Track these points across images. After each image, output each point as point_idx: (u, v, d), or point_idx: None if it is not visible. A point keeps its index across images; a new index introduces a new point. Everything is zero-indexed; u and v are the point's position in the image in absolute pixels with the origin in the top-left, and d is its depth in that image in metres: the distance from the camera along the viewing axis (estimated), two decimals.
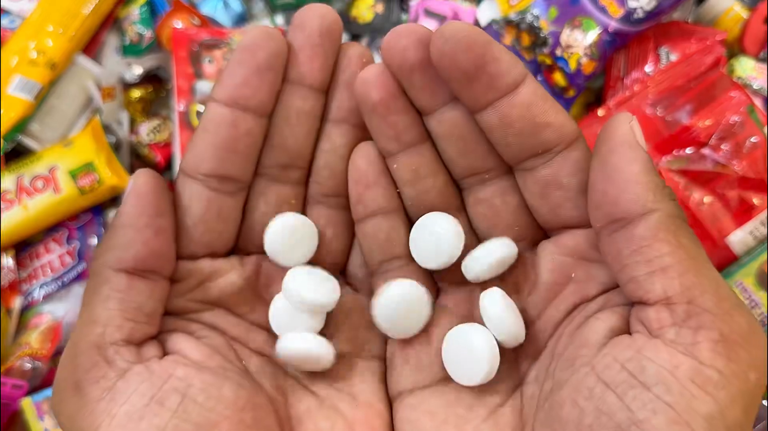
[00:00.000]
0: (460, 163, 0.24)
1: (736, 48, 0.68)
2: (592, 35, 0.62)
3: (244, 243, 0.26)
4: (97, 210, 0.71)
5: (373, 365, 0.26)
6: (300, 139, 0.25)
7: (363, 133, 0.25)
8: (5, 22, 0.73)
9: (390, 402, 0.25)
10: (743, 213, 0.59)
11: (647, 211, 0.21)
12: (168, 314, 0.24)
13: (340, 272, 0.27)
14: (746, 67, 0.65)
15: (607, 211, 0.21)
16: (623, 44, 0.64)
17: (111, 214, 0.73)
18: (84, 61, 0.72)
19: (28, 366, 0.63)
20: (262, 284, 0.26)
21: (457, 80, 0.21)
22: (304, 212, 0.26)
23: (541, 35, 0.63)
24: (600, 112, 0.64)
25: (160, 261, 0.23)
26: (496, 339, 0.23)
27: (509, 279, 0.25)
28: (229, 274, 0.25)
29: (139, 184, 0.23)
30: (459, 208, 0.25)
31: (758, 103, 0.62)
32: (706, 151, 0.60)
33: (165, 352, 0.23)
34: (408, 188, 0.24)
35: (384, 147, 0.24)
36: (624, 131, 0.23)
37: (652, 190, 0.21)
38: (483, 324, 0.23)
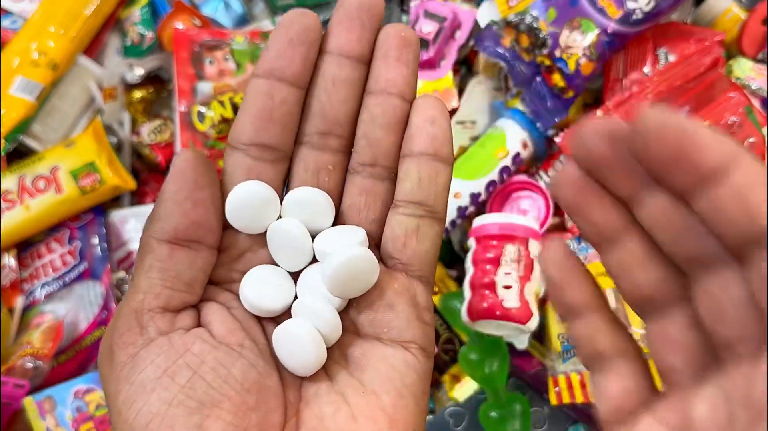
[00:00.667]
0: (677, 251, 0.20)
1: (734, 49, 0.68)
2: (591, 36, 0.62)
3: None
4: (98, 210, 0.72)
5: (390, 351, 0.25)
6: (336, 106, 0.26)
7: (403, 104, 0.26)
8: (7, 22, 0.73)
9: (404, 393, 0.24)
10: None
11: None
12: (212, 283, 0.25)
13: (375, 245, 0.27)
14: (744, 68, 0.65)
15: None
16: (622, 45, 0.64)
17: (112, 213, 0.73)
18: (85, 61, 0.73)
19: (30, 365, 0.64)
20: None
21: (656, 171, 0.18)
22: (343, 181, 0.27)
23: (540, 36, 0.64)
24: (599, 112, 0.64)
25: (200, 231, 0.24)
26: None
27: None
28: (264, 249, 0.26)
29: (180, 161, 0.24)
30: (683, 298, 0.20)
31: (756, 103, 0.62)
32: None
33: (200, 322, 0.24)
34: (620, 281, 0.22)
35: (592, 244, 0.23)
36: None
37: None
38: None
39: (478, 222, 0.32)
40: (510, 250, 0.27)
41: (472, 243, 0.32)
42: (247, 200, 0.24)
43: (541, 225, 0.31)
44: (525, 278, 0.27)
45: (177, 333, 0.23)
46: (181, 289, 0.24)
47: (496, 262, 0.28)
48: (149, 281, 0.23)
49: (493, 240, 0.33)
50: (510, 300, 0.27)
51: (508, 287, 0.27)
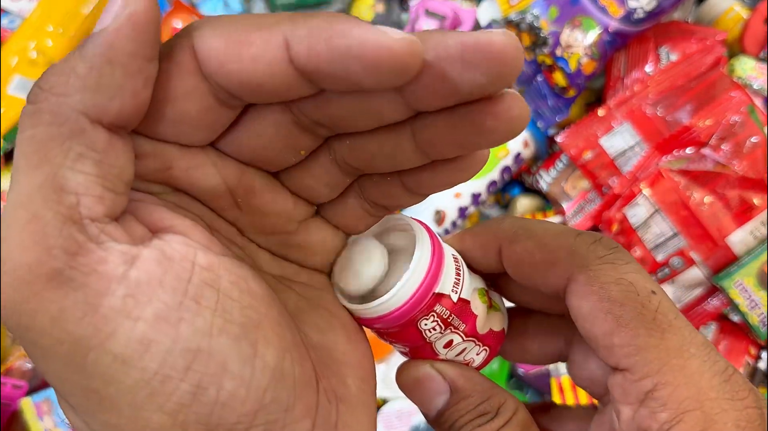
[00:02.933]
0: None
1: (736, 48, 0.68)
2: (593, 35, 0.62)
3: (229, 147, 0.20)
4: None
5: None
6: None
7: None
8: (5, 22, 0.73)
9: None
10: (743, 213, 0.59)
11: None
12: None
13: None
14: (746, 67, 0.65)
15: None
16: (623, 44, 0.64)
17: None
18: None
19: (28, 366, 0.63)
20: (243, 198, 0.20)
21: None
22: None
23: (542, 35, 0.63)
24: (600, 111, 0.64)
25: (136, 121, 0.17)
26: None
27: None
28: (206, 168, 0.19)
29: (139, 12, 0.16)
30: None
31: (758, 102, 0.62)
32: (706, 150, 0.60)
33: (151, 231, 0.18)
34: None
35: None
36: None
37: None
38: None
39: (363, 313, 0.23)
40: (426, 324, 0.22)
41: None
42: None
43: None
44: (468, 319, 0.22)
45: (159, 243, 0.17)
46: (122, 192, 0.17)
47: (424, 342, 0.22)
48: (84, 177, 0.16)
49: (395, 329, 0.23)
50: (476, 358, 0.23)
51: (462, 352, 0.24)
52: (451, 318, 0.21)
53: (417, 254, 0.21)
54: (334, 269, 0.23)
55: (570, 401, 0.56)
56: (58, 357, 0.16)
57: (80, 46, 0.16)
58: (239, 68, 0.17)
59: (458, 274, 0.22)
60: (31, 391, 0.63)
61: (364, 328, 0.23)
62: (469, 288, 0.22)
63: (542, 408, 0.25)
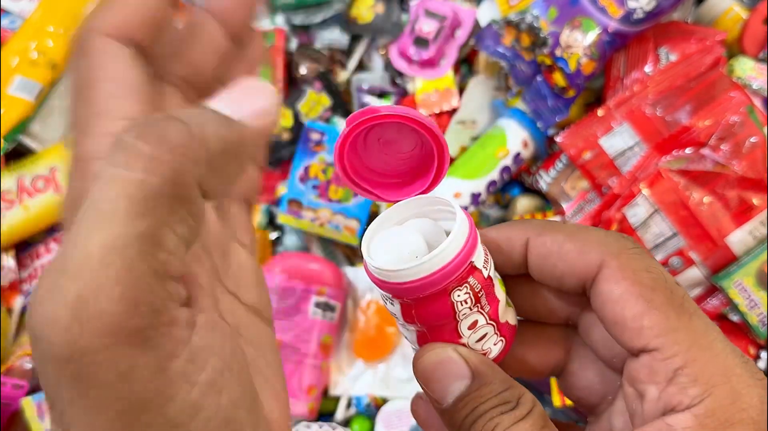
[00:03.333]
0: None
1: (735, 48, 0.68)
2: (592, 35, 0.62)
3: None
4: None
5: None
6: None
7: None
8: (6, 22, 0.73)
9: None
10: (743, 213, 0.59)
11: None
12: None
13: None
14: (746, 67, 0.65)
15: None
16: (623, 44, 0.64)
17: None
18: None
19: (29, 365, 0.63)
20: None
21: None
22: None
23: (541, 35, 0.63)
24: (599, 112, 0.64)
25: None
26: None
27: None
28: None
29: (273, 123, 0.19)
30: None
31: (758, 103, 0.62)
32: (705, 151, 0.60)
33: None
34: None
35: None
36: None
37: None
38: None
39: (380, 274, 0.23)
40: (460, 295, 0.22)
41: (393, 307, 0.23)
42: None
43: (434, 182, 0.24)
44: (493, 301, 0.23)
45: (206, 309, 0.18)
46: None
47: (451, 319, 0.22)
48: (177, 239, 0.16)
49: (428, 296, 0.22)
50: (493, 348, 0.24)
51: (483, 337, 0.24)
52: (481, 293, 0.22)
53: (458, 224, 0.22)
54: (367, 245, 0.23)
55: (570, 402, 0.56)
56: (109, 412, 0.15)
57: (217, 119, 0.17)
58: None
59: (486, 254, 0.23)
60: (32, 391, 0.63)
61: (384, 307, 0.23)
62: (494, 272, 0.23)
63: (568, 427, 0.26)
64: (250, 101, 0.18)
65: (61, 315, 0.14)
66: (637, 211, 0.61)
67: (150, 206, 0.15)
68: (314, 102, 0.72)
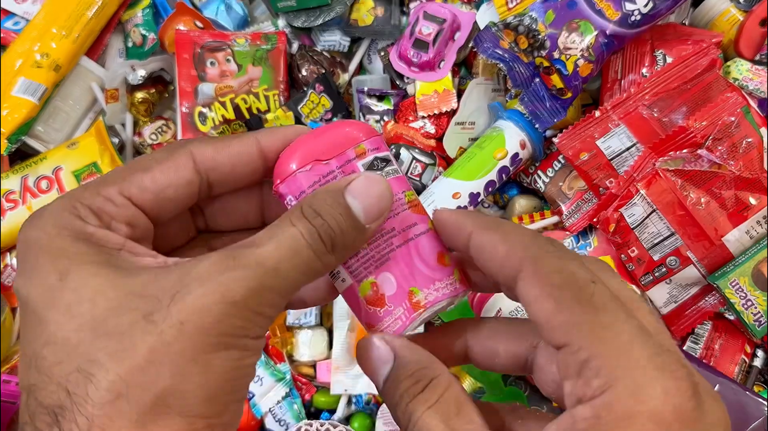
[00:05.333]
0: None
1: (731, 50, 0.68)
2: (589, 38, 0.62)
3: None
4: None
5: None
6: None
7: None
8: (9, 24, 0.74)
9: None
10: (739, 212, 0.60)
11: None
12: None
13: None
14: (742, 69, 0.65)
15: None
16: (620, 47, 0.65)
17: None
18: (88, 63, 0.73)
19: None
20: None
21: None
22: None
23: (539, 38, 0.64)
24: (597, 113, 0.65)
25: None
26: None
27: None
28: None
29: None
30: None
31: (754, 104, 0.62)
32: (702, 151, 0.60)
33: None
34: None
35: None
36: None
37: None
38: None
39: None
40: None
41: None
42: None
43: None
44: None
45: None
46: None
47: None
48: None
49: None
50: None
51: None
52: None
53: None
54: None
55: None
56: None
57: (353, 222, 0.24)
58: (226, 161, 0.26)
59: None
60: None
61: None
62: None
63: (512, 409, 0.26)
64: (377, 204, 0.24)
65: (249, 278, 0.22)
66: (635, 211, 0.62)
67: (307, 273, 0.24)
68: (315, 104, 0.73)
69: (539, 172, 0.69)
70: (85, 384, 0.20)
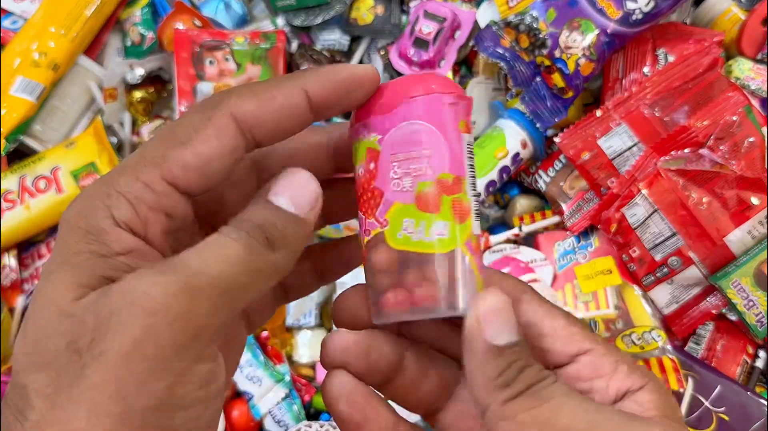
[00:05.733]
0: None
1: (733, 49, 0.68)
2: (591, 37, 0.62)
3: None
4: None
5: None
6: None
7: None
8: (7, 23, 0.73)
9: None
10: (741, 212, 0.59)
11: (484, 409, 0.23)
12: None
13: None
14: (744, 68, 0.65)
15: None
16: (621, 45, 0.65)
17: None
18: (86, 62, 0.73)
19: None
20: None
21: None
22: None
23: (540, 37, 0.64)
24: (598, 112, 0.64)
25: None
26: None
27: None
28: None
29: None
30: None
31: (756, 103, 0.62)
32: (704, 151, 0.60)
33: None
34: None
35: None
36: (467, 322, 0.23)
37: (483, 386, 0.23)
38: None
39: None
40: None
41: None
42: None
43: None
44: None
45: None
46: None
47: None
48: None
49: None
50: None
51: None
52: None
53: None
54: None
55: None
56: None
57: (291, 220, 0.23)
58: (271, 118, 0.23)
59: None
60: None
61: None
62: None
63: None
64: (303, 194, 0.23)
65: (172, 285, 0.19)
66: (636, 211, 0.61)
67: (253, 276, 0.21)
68: None
69: (540, 171, 0.69)
70: (23, 408, 0.19)
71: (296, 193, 0.23)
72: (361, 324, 0.26)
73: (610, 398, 0.23)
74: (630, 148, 0.63)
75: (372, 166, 0.24)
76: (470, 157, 0.25)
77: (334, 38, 0.75)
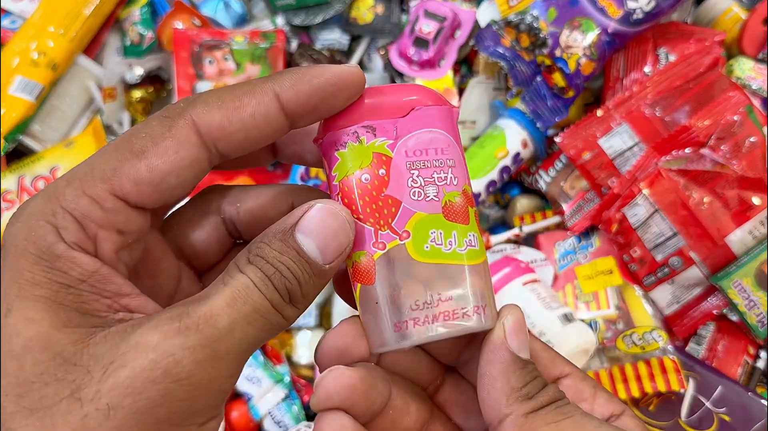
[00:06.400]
0: None
1: (734, 49, 0.68)
2: (591, 36, 0.62)
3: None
4: None
5: None
6: None
7: None
8: (6, 22, 0.73)
9: None
10: (742, 212, 0.59)
11: (502, 417, 0.22)
12: None
13: None
14: (745, 68, 0.65)
15: (485, 418, 0.23)
16: (622, 45, 0.64)
17: None
18: (85, 61, 0.73)
19: None
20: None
21: None
22: None
23: (541, 36, 0.64)
24: (599, 112, 0.64)
25: None
26: None
27: None
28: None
29: None
30: None
31: (757, 103, 0.62)
32: (705, 150, 0.60)
33: None
34: None
35: None
36: (495, 333, 0.23)
37: (505, 394, 0.22)
38: None
39: None
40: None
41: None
42: None
43: None
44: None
45: None
46: None
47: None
48: None
49: None
50: None
51: None
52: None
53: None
54: None
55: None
56: None
57: (311, 269, 0.21)
58: (239, 129, 0.21)
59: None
60: None
61: None
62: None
63: None
64: (335, 243, 0.21)
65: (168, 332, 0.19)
66: (637, 211, 0.61)
67: (270, 331, 0.20)
68: None
69: (541, 171, 0.69)
70: None
71: (327, 237, 0.21)
72: (351, 359, 0.23)
73: (604, 418, 0.24)
74: (631, 148, 0.63)
75: (382, 172, 0.22)
76: None
77: (333, 37, 0.75)
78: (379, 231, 0.22)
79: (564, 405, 0.22)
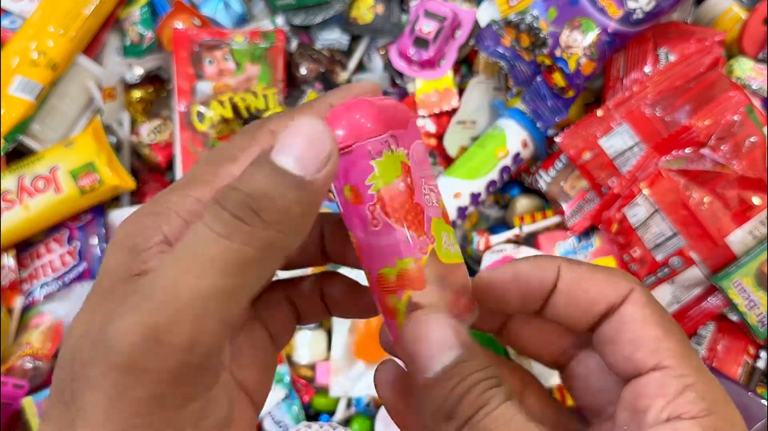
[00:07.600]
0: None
1: (734, 48, 0.68)
2: (592, 36, 0.62)
3: None
4: (98, 210, 0.72)
5: None
6: None
7: None
8: (6, 22, 0.73)
9: None
10: (743, 212, 0.59)
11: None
12: None
13: None
14: (745, 68, 0.65)
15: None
16: (622, 45, 0.64)
17: (112, 213, 0.73)
18: (85, 61, 0.73)
19: (29, 365, 0.63)
20: None
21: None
22: None
23: (541, 36, 0.64)
24: (599, 112, 0.64)
25: None
26: None
27: None
28: None
29: None
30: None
31: (757, 103, 0.62)
32: (705, 151, 0.60)
33: None
34: None
35: None
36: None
37: (431, 422, 0.23)
38: None
39: None
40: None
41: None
42: None
43: None
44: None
45: None
46: None
47: None
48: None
49: None
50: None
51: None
52: None
53: None
54: None
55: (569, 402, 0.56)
56: (129, 417, 0.18)
57: (293, 184, 0.19)
58: None
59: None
60: (32, 391, 0.63)
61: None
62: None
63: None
64: (313, 150, 0.19)
65: (133, 332, 0.17)
66: (637, 211, 0.61)
67: (241, 270, 0.18)
68: None
69: (541, 171, 0.69)
70: None
71: (304, 148, 0.19)
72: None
73: (661, 420, 0.22)
74: (631, 148, 0.63)
75: (409, 180, 0.23)
76: None
77: (333, 37, 0.74)
78: (419, 238, 0.23)
79: (487, 414, 0.21)
